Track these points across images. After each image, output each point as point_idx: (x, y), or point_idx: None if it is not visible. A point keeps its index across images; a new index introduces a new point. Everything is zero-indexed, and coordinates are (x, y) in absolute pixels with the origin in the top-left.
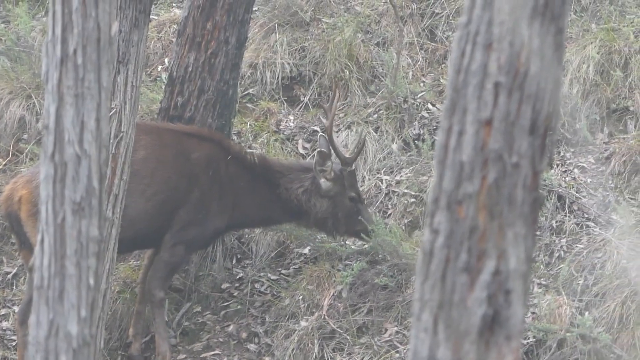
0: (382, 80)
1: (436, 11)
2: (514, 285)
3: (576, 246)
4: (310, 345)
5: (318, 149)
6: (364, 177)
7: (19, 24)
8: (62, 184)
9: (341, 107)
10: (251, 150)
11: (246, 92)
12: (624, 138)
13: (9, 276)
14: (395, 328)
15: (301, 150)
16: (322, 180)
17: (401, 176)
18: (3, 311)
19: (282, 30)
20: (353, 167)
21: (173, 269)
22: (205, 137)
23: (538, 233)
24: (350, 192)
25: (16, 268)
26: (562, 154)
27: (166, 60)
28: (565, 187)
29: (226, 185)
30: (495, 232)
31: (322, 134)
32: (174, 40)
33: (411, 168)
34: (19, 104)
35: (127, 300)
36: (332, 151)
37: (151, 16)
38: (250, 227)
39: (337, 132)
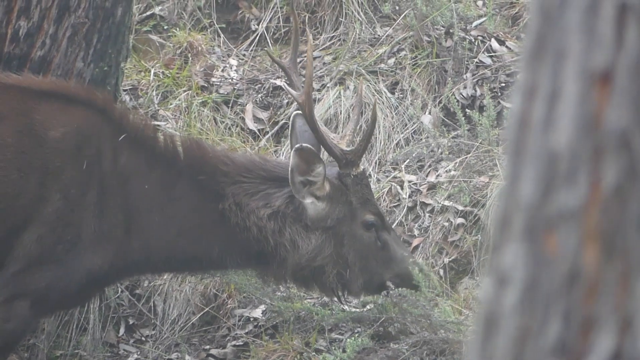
0: None
1: None
2: None
3: None
4: None
5: (297, 147)
6: (369, 176)
7: None
8: None
9: (325, 44)
10: (163, 128)
11: (149, 13)
12: None
13: None
14: None
15: (251, 126)
16: (309, 202)
17: (439, 176)
18: None
19: None
20: (360, 167)
21: (6, 345)
22: (74, 98)
23: None
24: (365, 213)
25: None
26: None
27: None
28: None
29: (114, 191)
30: (616, 282)
31: (297, 111)
32: None
33: (458, 161)
34: None
35: None
36: (318, 141)
37: None
38: (161, 272)
39: (317, 91)
